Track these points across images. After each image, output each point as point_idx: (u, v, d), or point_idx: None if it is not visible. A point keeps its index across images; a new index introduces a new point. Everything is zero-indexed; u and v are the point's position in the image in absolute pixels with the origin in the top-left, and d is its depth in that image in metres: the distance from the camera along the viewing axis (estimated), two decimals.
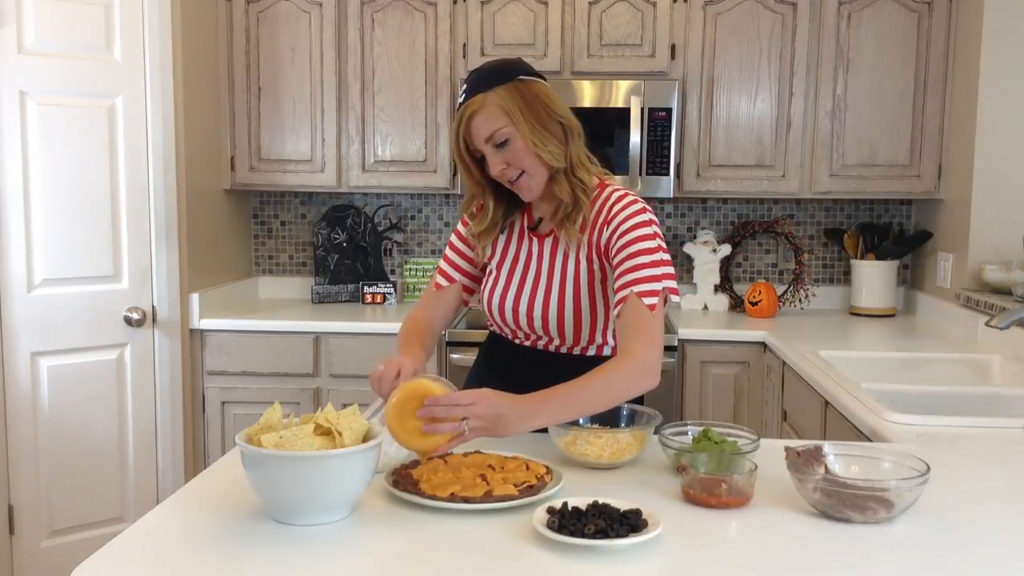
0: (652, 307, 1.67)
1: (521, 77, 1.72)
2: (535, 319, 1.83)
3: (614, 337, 1.83)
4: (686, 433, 1.65)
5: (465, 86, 1.73)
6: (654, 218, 1.76)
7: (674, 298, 1.75)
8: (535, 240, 1.86)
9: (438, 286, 1.96)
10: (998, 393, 2.35)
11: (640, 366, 1.61)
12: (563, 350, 1.87)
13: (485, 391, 1.50)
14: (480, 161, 1.77)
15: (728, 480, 1.39)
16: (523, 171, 1.73)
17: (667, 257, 1.74)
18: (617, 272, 1.73)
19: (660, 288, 1.69)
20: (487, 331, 2.02)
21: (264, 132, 3.58)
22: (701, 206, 3.86)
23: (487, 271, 1.94)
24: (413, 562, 1.22)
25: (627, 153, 3.38)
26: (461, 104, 1.72)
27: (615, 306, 1.71)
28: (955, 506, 1.44)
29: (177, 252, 3.20)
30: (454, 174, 3.53)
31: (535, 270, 1.84)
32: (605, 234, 1.76)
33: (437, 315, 1.96)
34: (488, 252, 1.91)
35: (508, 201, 1.85)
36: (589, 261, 1.79)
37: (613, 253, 1.75)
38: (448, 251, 1.98)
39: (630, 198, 1.77)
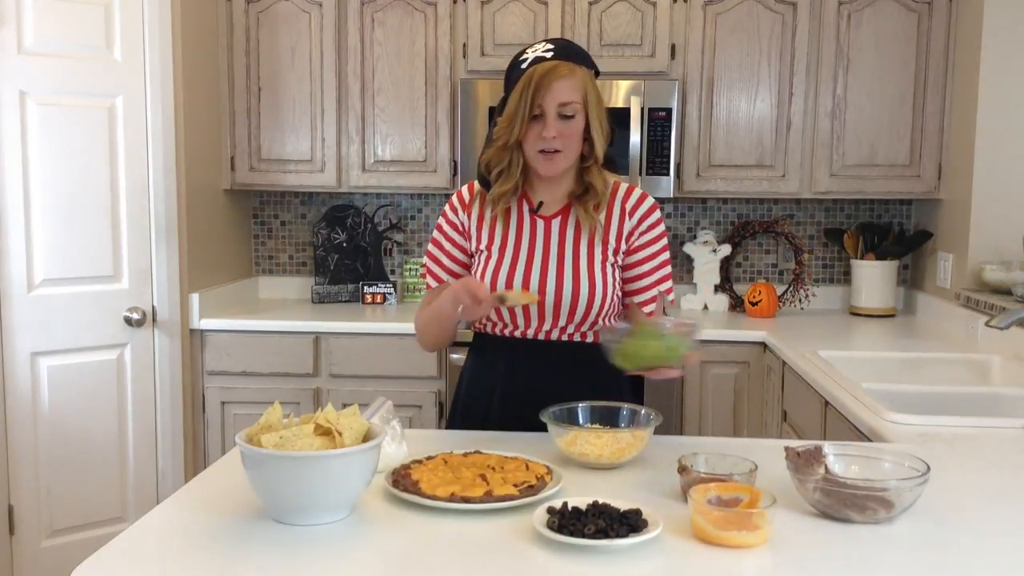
0: (672, 302, 1.91)
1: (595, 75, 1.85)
2: (547, 295, 1.84)
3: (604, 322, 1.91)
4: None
5: (552, 47, 1.78)
6: None
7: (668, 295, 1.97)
8: (539, 221, 1.88)
9: (437, 282, 1.96)
10: (998, 393, 2.35)
11: None
12: (554, 336, 1.87)
13: None
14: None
15: (727, 478, 1.39)
16: (561, 150, 1.79)
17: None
18: (641, 270, 1.89)
19: (671, 284, 1.95)
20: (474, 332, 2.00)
21: (264, 132, 3.58)
22: (701, 206, 3.86)
23: (479, 254, 1.90)
24: (413, 562, 1.22)
25: (627, 153, 3.38)
26: (545, 60, 1.76)
27: (642, 304, 1.89)
28: (955, 506, 1.44)
29: (177, 252, 3.20)
30: (454, 174, 3.53)
31: (542, 250, 1.86)
32: (628, 223, 1.89)
33: None
34: (489, 232, 1.88)
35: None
36: (604, 244, 1.87)
37: (635, 246, 1.89)
38: (433, 247, 1.96)
39: (643, 193, 1.93)
